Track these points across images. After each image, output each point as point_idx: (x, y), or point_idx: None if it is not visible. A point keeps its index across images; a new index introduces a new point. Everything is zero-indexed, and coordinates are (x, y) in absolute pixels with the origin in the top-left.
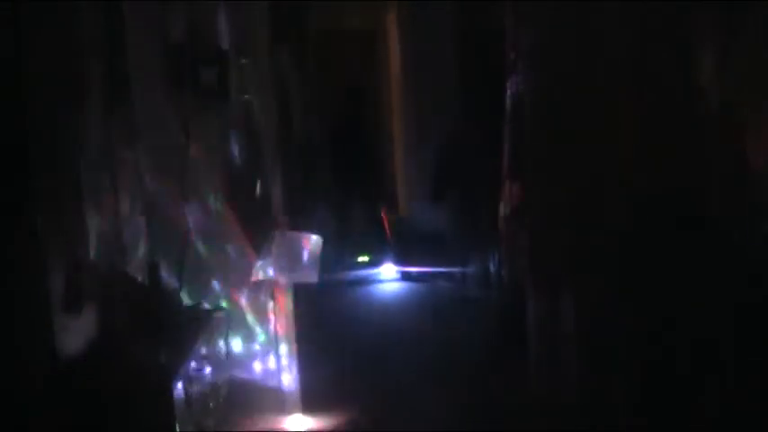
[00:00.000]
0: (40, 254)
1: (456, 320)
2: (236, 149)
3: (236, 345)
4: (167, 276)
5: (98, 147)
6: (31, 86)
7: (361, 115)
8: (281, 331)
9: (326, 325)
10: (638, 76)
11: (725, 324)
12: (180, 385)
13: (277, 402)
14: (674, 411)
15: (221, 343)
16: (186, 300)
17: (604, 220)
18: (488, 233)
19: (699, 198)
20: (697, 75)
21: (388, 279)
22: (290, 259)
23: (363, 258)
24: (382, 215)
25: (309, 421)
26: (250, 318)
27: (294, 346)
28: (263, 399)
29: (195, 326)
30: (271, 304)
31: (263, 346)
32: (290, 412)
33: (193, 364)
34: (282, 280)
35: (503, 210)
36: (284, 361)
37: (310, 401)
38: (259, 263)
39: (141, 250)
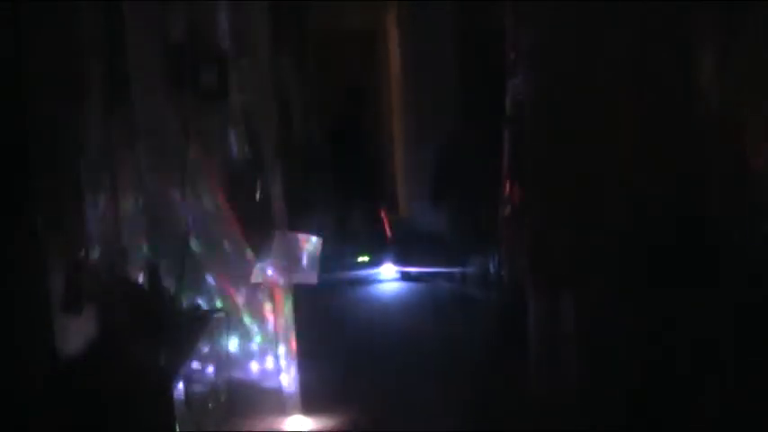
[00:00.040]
0: (39, 254)
1: (456, 320)
2: (235, 150)
3: (236, 346)
4: (167, 277)
5: (98, 147)
6: (31, 86)
7: (360, 115)
8: (280, 332)
9: (326, 325)
10: (638, 76)
11: (725, 324)
12: (180, 386)
13: (277, 403)
14: (674, 411)
15: (221, 344)
16: (186, 301)
17: (604, 220)
18: (488, 233)
19: (699, 198)
20: (697, 75)
21: (387, 279)
22: (290, 260)
23: (363, 258)
24: (382, 215)
25: (309, 422)
26: (249, 319)
27: (293, 347)
28: (263, 399)
29: (195, 327)
30: (270, 305)
31: (262, 347)
32: (289, 413)
33: (193, 364)
34: (282, 280)
35: (502, 210)
36: (283, 362)
37: (310, 402)
38: (259, 263)
39: (141, 251)
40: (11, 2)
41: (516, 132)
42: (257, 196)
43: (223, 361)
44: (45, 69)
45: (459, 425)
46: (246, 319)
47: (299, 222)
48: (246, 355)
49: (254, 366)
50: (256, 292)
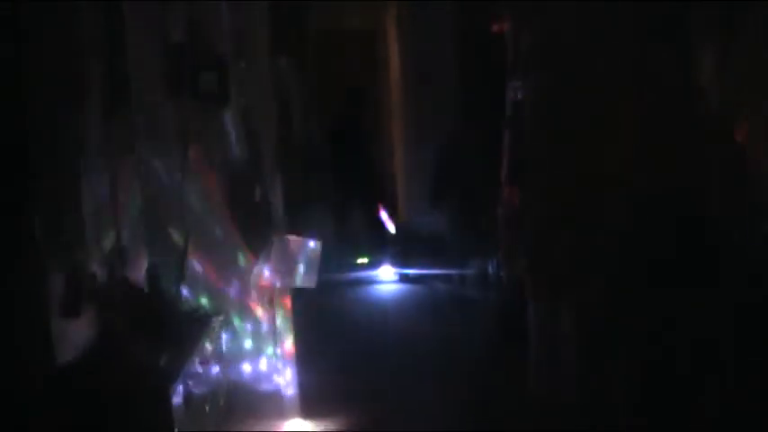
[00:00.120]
0: (39, 254)
1: (455, 321)
2: (235, 151)
3: (235, 348)
4: (167, 279)
5: (98, 147)
6: (31, 86)
7: (360, 116)
8: (279, 334)
9: (325, 327)
10: (638, 76)
11: (725, 324)
12: (179, 388)
13: (276, 405)
14: (674, 411)
15: (220, 346)
16: (185, 302)
17: (604, 221)
18: (488, 234)
19: (699, 198)
20: (697, 75)
21: (386, 281)
22: (289, 264)
23: (363, 260)
24: (382, 214)
25: (308, 425)
26: (248, 321)
27: (293, 349)
28: (262, 402)
29: (194, 328)
30: (269, 307)
31: (261, 349)
32: (288, 415)
33: (193, 366)
34: (281, 284)
35: (502, 210)
36: (282, 364)
37: (309, 404)
38: (258, 267)
39: (141, 253)
40: (11, 2)
41: (516, 133)
42: (257, 198)
43: (222, 363)
44: (45, 69)
45: (459, 426)
46: (245, 321)
47: (299, 224)
48: (245, 358)
49: (252, 368)
50: (256, 293)
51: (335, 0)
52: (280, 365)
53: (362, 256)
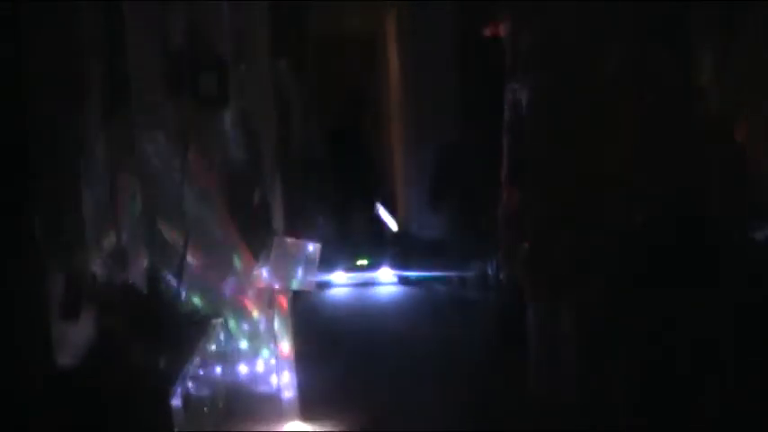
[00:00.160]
0: (39, 255)
1: (454, 323)
2: (235, 153)
3: (235, 350)
4: (166, 282)
5: (98, 148)
6: (31, 86)
7: (360, 117)
8: (278, 336)
9: (324, 329)
10: (638, 76)
11: (725, 324)
12: (179, 390)
13: (275, 408)
14: (674, 411)
15: (219, 348)
16: (185, 304)
17: (604, 221)
18: (487, 236)
19: (699, 198)
20: (697, 75)
21: (385, 283)
22: (288, 267)
23: (362, 262)
24: (381, 211)
25: (307, 427)
26: (247, 323)
27: (291, 352)
28: (261, 404)
29: (193, 330)
30: (268, 309)
31: (260, 351)
32: (287, 418)
33: (192, 368)
34: (280, 286)
35: (502, 211)
36: (281, 367)
37: (308, 406)
38: (257, 269)
39: (140, 254)
40: (11, 2)
41: (516, 133)
42: (256, 199)
43: (221, 365)
44: (45, 69)
45: (459, 427)
46: (244, 323)
47: (299, 224)
48: (244, 359)
49: (251, 370)
50: (254, 295)
51: (335, 1)
52: (278, 367)
53: (362, 257)
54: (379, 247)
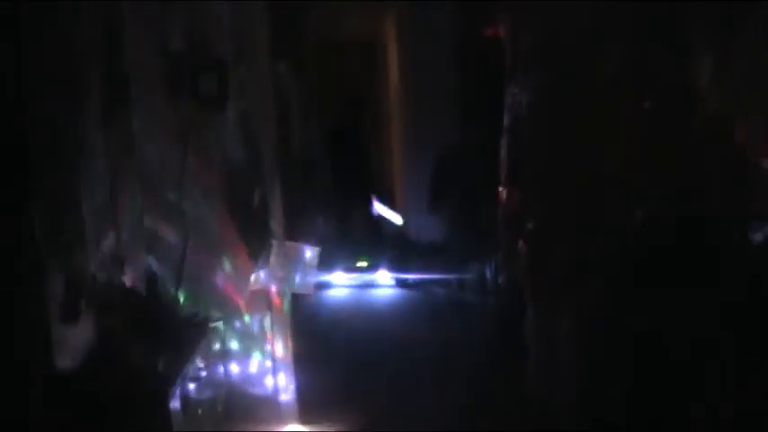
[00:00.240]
0: (39, 255)
1: (453, 326)
2: (234, 155)
3: (234, 352)
4: (165, 283)
5: (98, 148)
6: (31, 86)
7: (360, 120)
8: (277, 338)
9: (323, 331)
10: (638, 76)
11: (725, 324)
12: (178, 392)
13: (273, 411)
14: (674, 411)
15: (219, 350)
16: (184, 306)
17: (604, 221)
18: (486, 238)
19: (699, 198)
20: (697, 75)
21: (383, 285)
22: (287, 270)
23: (362, 263)
24: (382, 208)
25: (305, 429)
26: (246, 325)
27: (289, 354)
28: (260, 407)
29: (193, 333)
30: (267, 312)
31: (258, 354)
32: (286, 421)
33: (191, 371)
34: (278, 288)
35: (502, 211)
36: (279, 369)
37: (306, 409)
38: (256, 271)
39: (140, 255)
40: (11, 2)
41: (516, 133)
42: (256, 200)
43: (219, 367)
44: (45, 69)
45: (458, 428)
46: (242, 325)
47: (298, 228)
48: (242, 361)
49: (249, 372)
50: (253, 298)
51: (335, 1)
52: (276, 370)
53: (362, 258)
54: (378, 247)
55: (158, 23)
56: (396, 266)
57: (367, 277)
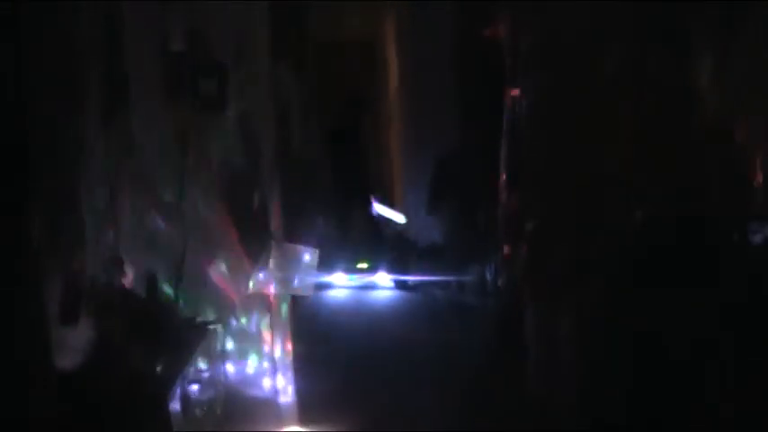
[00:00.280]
0: (39, 256)
1: (453, 328)
2: (234, 155)
3: (233, 355)
4: (164, 287)
5: (98, 148)
6: (31, 86)
7: (360, 118)
8: (276, 341)
9: (322, 333)
10: (638, 76)
11: (725, 324)
12: (178, 393)
13: (273, 413)
14: (674, 411)
15: (218, 353)
16: (183, 309)
17: (604, 220)
18: (486, 239)
19: (699, 198)
20: (697, 75)
21: (382, 287)
22: (286, 272)
23: (363, 265)
24: (383, 208)
25: (305, 431)
26: (245, 327)
27: (289, 356)
28: (259, 410)
29: (192, 335)
30: (267, 313)
31: (257, 356)
32: (286, 423)
33: (190, 373)
34: (278, 290)
35: (502, 211)
36: (279, 371)
37: (306, 411)
38: (256, 272)
39: (139, 260)
40: (11, 2)
41: (516, 134)
42: (256, 201)
43: (219, 370)
44: (45, 69)
45: (458, 428)
46: (242, 327)
47: (298, 228)
48: (243, 365)
49: (248, 374)
50: (253, 300)
51: (335, 1)
52: (276, 371)
53: (362, 260)
54: (378, 249)
55: (158, 24)
56: (395, 268)
57: (367, 279)
